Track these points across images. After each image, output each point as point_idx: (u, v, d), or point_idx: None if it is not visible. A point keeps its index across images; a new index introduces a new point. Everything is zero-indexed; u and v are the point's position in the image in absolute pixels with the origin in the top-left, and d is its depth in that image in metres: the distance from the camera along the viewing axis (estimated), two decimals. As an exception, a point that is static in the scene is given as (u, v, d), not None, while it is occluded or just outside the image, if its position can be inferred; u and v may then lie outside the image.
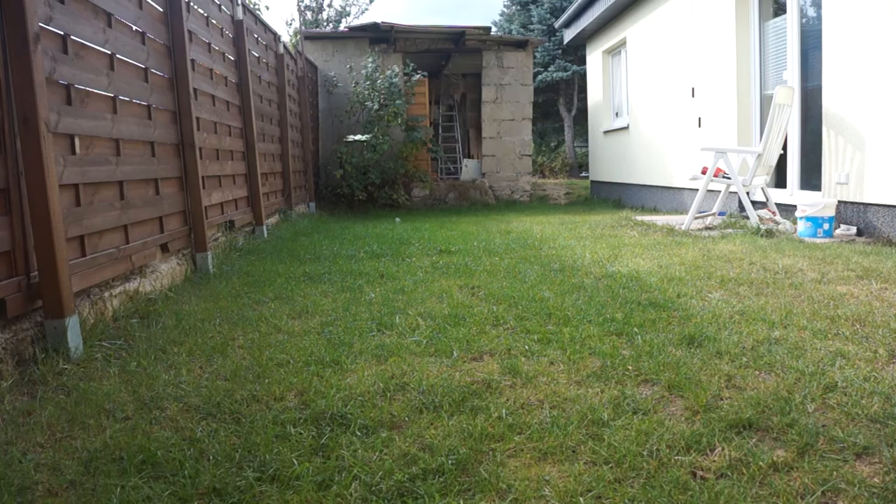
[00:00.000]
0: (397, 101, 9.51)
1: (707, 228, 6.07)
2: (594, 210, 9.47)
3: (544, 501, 1.46)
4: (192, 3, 4.45)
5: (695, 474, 1.54)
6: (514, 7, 20.95)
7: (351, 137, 9.42)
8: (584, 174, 17.78)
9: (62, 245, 2.44)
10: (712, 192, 6.71)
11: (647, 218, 7.17)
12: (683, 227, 6.04)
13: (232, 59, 5.47)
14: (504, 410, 1.90)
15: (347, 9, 21.68)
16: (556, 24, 13.02)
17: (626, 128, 10.14)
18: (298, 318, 3.05)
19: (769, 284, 3.42)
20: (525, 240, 5.59)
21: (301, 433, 1.78)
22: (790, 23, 6.17)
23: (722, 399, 1.95)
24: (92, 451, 1.70)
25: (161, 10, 3.92)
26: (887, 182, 4.88)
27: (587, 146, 13.54)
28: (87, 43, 2.98)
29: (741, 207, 6.68)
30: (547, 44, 18.34)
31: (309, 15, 20.61)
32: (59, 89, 2.72)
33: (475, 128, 14.27)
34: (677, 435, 1.72)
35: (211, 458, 1.66)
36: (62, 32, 2.76)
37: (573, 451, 1.67)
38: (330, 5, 21.35)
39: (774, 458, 1.58)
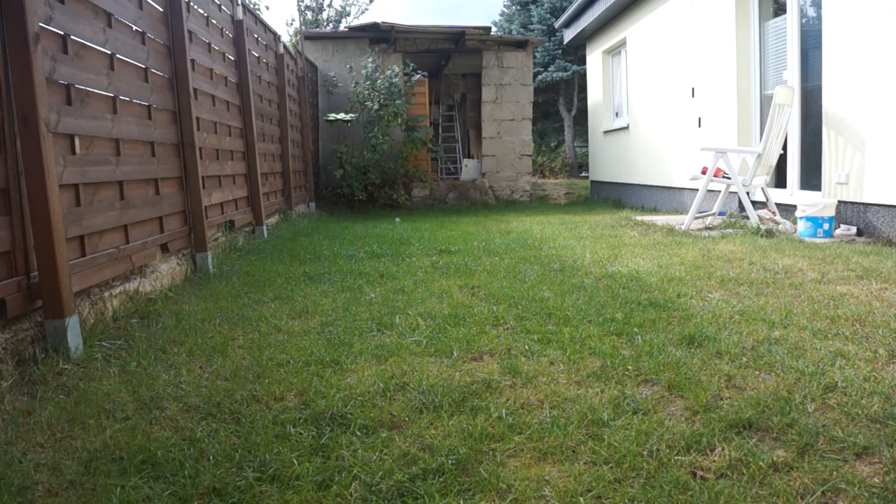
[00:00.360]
0: (397, 101, 9.51)
1: (707, 228, 6.07)
2: (594, 210, 9.47)
3: (544, 501, 1.46)
4: (192, 3, 4.45)
5: (695, 474, 1.54)
6: (514, 7, 20.95)
7: (332, 116, 9.32)
8: (584, 174, 17.78)
9: (62, 245, 2.44)
10: (712, 192, 6.71)
11: (647, 218, 7.17)
12: (683, 227, 6.04)
13: (232, 59, 5.47)
14: (504, 410, 1.90)
15: (347, 9, 21.69)
16: (556, 24, 13.02)
17: (626, 128, 10.14)
18: (298, 318, 3.05)
19: (769, 284, 3.42)
20: (525, 240, 5.59)
21: (301, 433, 1.78)
22: (790, 23, 6.17)
23: (722, 399, 1.95)
24: (92, 451, 1.70)
25: (161, 10, 3.92)
26: (887, 182, 4.88)
27: (587, 146, 13.54)
28: (87, 43, 2.98)
29: (741, 207, 6.68)
30: (547, 44, 18.34)
31: (309, 15, 20.61)
32: (59, 89, 2.72)
33: (475, 128, 14.28)
34: (677, 435, 1.72)
35: (211, 458, 1.66)
36: (62, 32, 2.76)
37: (573, 451, 1.67)
38: (330, 5, 21.36)
39: (774, 458, 1.58)
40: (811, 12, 6.05)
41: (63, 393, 2.11)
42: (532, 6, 19.45)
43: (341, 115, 9.27)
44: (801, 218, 5.29)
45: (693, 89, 7.85)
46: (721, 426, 1.76)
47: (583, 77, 17.51)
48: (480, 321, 2.87)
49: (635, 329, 2.66)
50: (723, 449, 1.64)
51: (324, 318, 3.03)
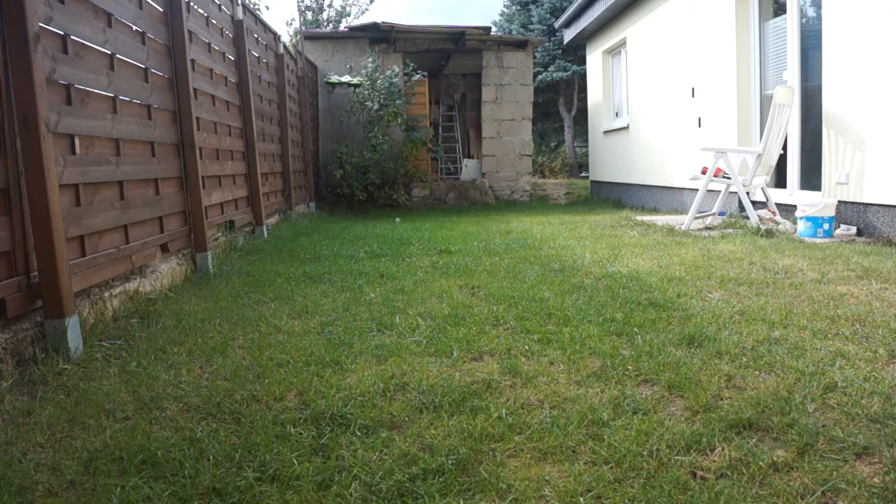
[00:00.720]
0: (397, 101, 9.51)
1: (707, 228, 6.07)
2: (594, 210, 9.47)
3: (544, 501, 1.46)
4: (192, 3, 4.45)
5: (695, 474, 1.54)
6: (514, 7, 20.96)
7: (335, 78, 9.07)
8: (584, 174, 17.78)
9: (62, 245, 2.44)
10: (712, 192, 6.71)
11: (647, 218, 7.17)
12: (683, 227, 6.04)
13: (232, 59, 5.47)
14: (504, 410, 1.90)
15: (347, 9, 21.70)
16: (556, 24, 13.02)
17: (626, 128, 10.14)
18: (298, 318, 3.05)
19: (769, 284, 3.42)
20: (525, 240, 5.59)
21: (301, 433, 1.78)
22: (790, 23, 6.17)
23: (722, 399, 1.95)
24: (92, 451, 1.70)
25: (161, 10, 3.92)
26: (887, 182, 4.88)
27: (587, 146, 13.54)
28: (87, 43, 2.98)
29: (741, 207, 6.68)
30: (547, 44, 18.34)
31: (309, 15, 20.61)
32: (59, 89, 2.72)
33: (475, 128, 14.28)
34: (677, 435, 1.72)
35: (211, 458, 1.66)
36: (62, 32, 2.76)
37: (573, 451, 1.67)
38: (330, 5, 21.37)
39: (774, 458, 1.58)
40: (811, 12, 6.05)
41: (63, 393, 2.11)
42: (532, 6, 19.45)
43: (346, 78, 9.04)
44: (801, 218, 5.29)
45: (693, 89, 7.85)
46: (721, 426, 1.76)
47: (583, 77, 17.51)
48: (480, 321, 2.87)
49: (635, 329, 2.66)
50: (723, 449, 1.64)
51: (324, 318, 3.03)
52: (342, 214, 9.21)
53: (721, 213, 6.61)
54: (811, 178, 6.06)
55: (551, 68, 18.48)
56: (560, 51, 18.44)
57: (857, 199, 5.21)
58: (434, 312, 3.04)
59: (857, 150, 5.18)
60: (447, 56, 11.86)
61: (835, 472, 1.52)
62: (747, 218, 5.98)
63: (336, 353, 2.46)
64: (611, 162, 11.13)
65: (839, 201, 5.38)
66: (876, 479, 1.49)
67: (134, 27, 3.52)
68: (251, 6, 6.39)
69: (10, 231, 2.37)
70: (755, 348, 2.38)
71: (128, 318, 2.97)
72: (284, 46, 7.60)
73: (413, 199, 10.39)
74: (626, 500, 1.44)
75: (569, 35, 12.27)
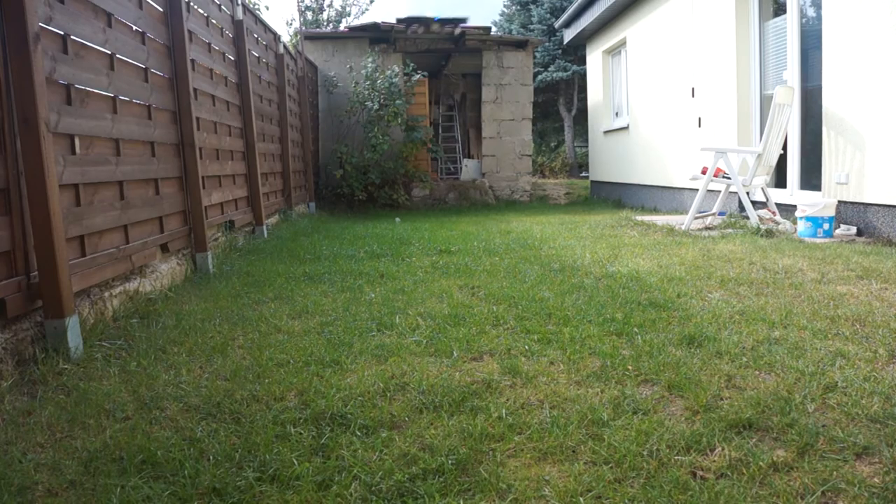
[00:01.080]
0: (397, 101, 9.51)
1: (707, 228, 6.07)
2: (594, 210, 9.47)
3: (544, 501, 1.46)
4: (192, 3, 4.45)
5: (695, 474, 1.54)
6: (514, 7, 20.95)
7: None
8: (584, 174, 17.78)
9: (62, 245, 2.44)
10: (712, 192, 6.71)
11: (647, 218, 7.17)
12: (683, 227, 6.04)
13: (232, 59, 5.47)
14: (504, 410, 1.90)
15: (347, 9, 21.67)
16: (556, 24, 13.02)
17: (626, 128, 10.14)
18: (298, 318, 3.05)
19: (769, 284, 3.42)
20: (525, 240, 5.59)
21: (301, 433, 1.78)
22: (790, 23, 6.17)
23: (722, 399, 1.95)
24: (92, 451, 1.70)
25: (161, 10, 3.92)
26: (887, 182, 4.88)
27: (587, 146, 13.54)
28: (87, 43, 2.98)
29: (741, 207, 6.68)
30: (547, 44, 18.34)
31: (309, 15, 20.60)
32: (59, 89, 2.72)
33: (475, 128, 14.28)
34: (677, 435, 1.72)
35: (211, 458, 1.66)
36: (62, 32, 2.76)
37: (573, 451, 1.67)
38: (330, 5, 21.34)
39: (774, 458, 1.58)
40: (811, 12, 6.05)
41: (63, 393, 2.11)
42: (532, 6, 19.45)
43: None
44: (801, 218, 5.29)
45: (693, 89, 7.85)
46: (721, 426, 1.76)
47: (583, 77, 17.51)
48: (480, 321, 2.87)
49: (635, 329, 2.66)
50: (723, 449, 1.64)
51: (324, 318, 3.03)
52: (342, 214, 9.21)
53: (721, 213, 6.61)
54: (811, 178, 6.06)
55: (551, 68, 18.48)
56: (560, 51, 18.44)
57: (857, 199, 5.21)
58: (434, 312, 3.04)
59: (857, 150, 5.18)
60: (447, 56, 11.86)
61: (835, 472, 1.52)
62: (747, 218, 5.98)
63: (336, 353, 2.46)
64: (611, 162, 11.13)
65: (839, 201, 5.38)
66: (876, 479, 1.49)
67: (134, 27, 3.52)
68: (251, 6, 6.39)
69: (10, 231, 2.37)
70: (755, 348, 2.38)
71: (128, 318, 2.97)
72: (284, 46, 7.60)
73: (413, 199, 10.39)
74: (626, 500, 1.44)
75: (569, 35, 12.27)
